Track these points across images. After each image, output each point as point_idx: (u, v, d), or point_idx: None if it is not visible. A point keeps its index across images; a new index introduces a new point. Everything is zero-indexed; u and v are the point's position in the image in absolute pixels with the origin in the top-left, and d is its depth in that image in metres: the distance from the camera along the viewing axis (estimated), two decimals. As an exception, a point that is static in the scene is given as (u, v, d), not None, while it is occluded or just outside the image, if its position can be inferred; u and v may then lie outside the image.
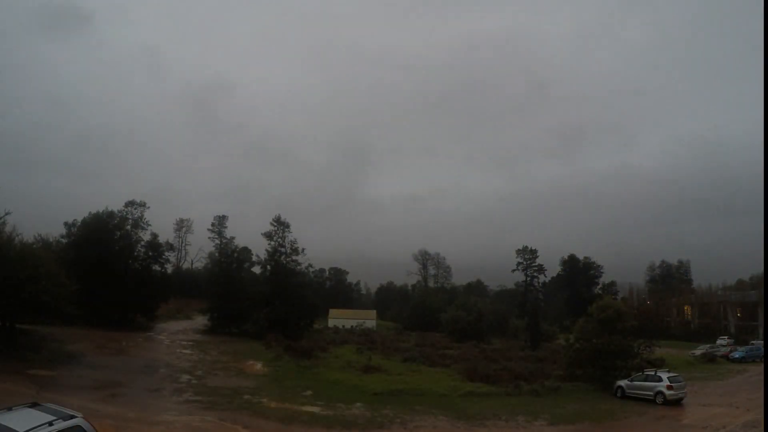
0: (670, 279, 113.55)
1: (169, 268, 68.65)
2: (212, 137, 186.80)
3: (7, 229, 35.94)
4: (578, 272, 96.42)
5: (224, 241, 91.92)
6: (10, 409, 9.97)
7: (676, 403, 26.75)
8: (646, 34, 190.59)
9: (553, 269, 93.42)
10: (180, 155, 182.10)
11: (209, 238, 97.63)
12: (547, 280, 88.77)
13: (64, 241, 56.54)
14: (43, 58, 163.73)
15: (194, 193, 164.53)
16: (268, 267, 57.52)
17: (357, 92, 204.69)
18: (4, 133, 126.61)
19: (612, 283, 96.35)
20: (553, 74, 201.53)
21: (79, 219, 54.15)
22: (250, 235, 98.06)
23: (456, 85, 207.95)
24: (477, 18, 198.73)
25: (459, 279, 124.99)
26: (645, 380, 28.01)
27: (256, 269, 68.22)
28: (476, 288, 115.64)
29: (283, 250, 56.01)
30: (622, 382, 29.01)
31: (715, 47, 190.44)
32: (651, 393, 27.15)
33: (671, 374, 28.28)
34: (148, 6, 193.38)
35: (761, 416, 18.72)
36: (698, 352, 55.34)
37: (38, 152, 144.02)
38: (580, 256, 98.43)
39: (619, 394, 28.67)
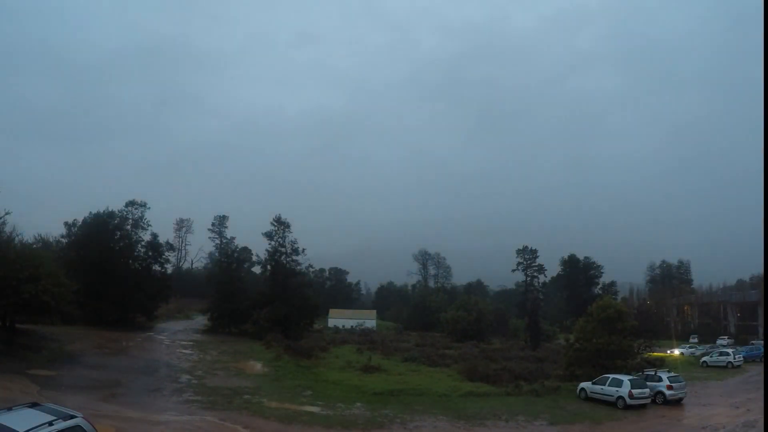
0: (670, 279, 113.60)
1: (169, 268, 68.53)
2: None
3: (7, 229, 36.06)
4: (578, 272, 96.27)
5: (224, 241, 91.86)
6: (10, 409, 9.98)
7: (677, 403, 26.76)
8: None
9: (553, 269, 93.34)
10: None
11: (209, 238, 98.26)
12: (547, 280, 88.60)
13: (64, 241, 56.65)
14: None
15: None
16: (269, 267, 57.45)
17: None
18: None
19: (612, 283, 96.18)
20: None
21: (80, 219, 54.28)
22: (251, 235, 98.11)
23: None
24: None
25: (459, 279, 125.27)
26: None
27: (257, 269, 68.25)
28: (476, 288, 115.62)
29: (283, 250, 55.95)
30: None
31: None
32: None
33: (671, 374, 28.26)
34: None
35: (761, 416, 18.73)
36: (698, 352, 55.35)
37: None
38: (580, 256, 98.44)
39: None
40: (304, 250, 56.58)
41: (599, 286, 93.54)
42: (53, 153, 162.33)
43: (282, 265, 55.60)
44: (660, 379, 27.43)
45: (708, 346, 61.45)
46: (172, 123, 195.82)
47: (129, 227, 53.48)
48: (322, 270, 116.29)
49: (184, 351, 38.15)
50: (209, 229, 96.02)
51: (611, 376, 27.29)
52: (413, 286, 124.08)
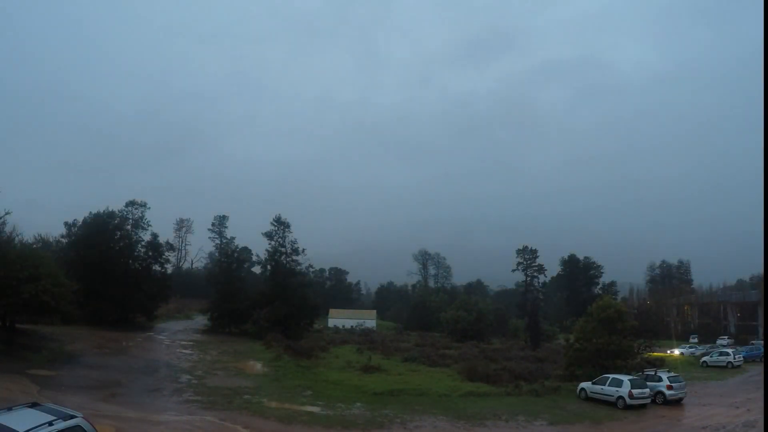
0: (670, 279, 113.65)
1: (169, 268, 68.51)
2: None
3: (7, 229, 36.06)
4: (578, 272, 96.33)
5: (224, 241, 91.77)
6: (10, 409, 9.95)
7: (677, 403, 26.75)
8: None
9: (553, 269, 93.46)
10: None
11: (209, 238, 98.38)
12: (547, 280, 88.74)
13: (64, 241, 56.59)
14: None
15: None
16: (269, 267, 57.49)
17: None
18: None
19: (612, 283, 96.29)
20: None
21: (80, 219, 54.24)
22: (251, 235, 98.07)
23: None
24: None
25: (459, 279, 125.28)
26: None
27: (257, 269, 68.26)
28: (476, 288, 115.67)
29: (283, 250, 55.98)
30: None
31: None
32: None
33: (671, 374, 28.23)
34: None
35: (761, 416, 18.72)
36: (698, 352, 55.36)
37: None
38: (580, 256, 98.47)
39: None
40: (304, 250, 56.73)
41: (599, 286, 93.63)
42: (76, 182, 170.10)
43: (282, 265, 55.65)
44: (660, 379, 27.41)
45: (708, 346, 61.43)
46: (177, 159, 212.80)
47: (129, 227, 53.49)
48: (322, 270, 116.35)
49: (184, 351, 38.16)
50: (209, 229, 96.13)
51: (611, 376, 27.16)
52: (413, 286, 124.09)
